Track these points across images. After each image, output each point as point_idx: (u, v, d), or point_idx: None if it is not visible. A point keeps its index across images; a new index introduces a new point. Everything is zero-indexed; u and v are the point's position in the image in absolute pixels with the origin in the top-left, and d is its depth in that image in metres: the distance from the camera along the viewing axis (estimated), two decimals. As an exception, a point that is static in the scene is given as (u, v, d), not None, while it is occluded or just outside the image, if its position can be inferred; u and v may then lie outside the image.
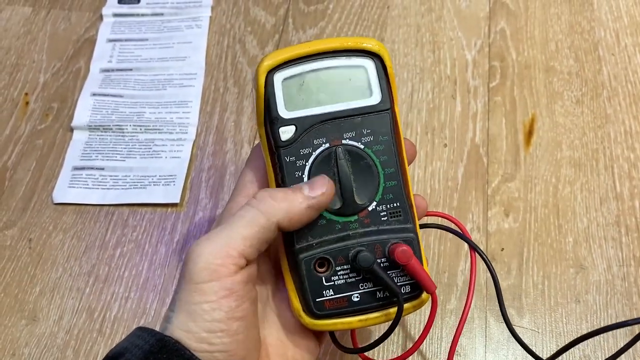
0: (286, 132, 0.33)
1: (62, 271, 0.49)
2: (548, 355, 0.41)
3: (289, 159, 0.33)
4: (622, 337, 0.45)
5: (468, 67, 0.58)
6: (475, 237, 0.49)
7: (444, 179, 0.52)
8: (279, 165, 0.34)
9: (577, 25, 0.61)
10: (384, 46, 0.35)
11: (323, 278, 0.33)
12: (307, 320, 0.34)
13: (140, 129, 0.56)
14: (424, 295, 0.35)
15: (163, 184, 0.52)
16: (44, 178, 0.54)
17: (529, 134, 0.54)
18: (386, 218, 0.34)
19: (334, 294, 0.33)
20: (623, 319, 0.45)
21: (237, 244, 0.30)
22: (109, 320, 0.47)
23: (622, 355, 0.39)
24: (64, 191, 0.53)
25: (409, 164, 0.36)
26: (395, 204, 0.34)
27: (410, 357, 0.45)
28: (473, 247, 0.39)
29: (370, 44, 0.34)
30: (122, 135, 0.56)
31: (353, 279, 0.34)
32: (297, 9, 0.63)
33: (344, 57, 0.34)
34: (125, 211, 0.52)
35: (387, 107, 0.34)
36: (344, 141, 0.34)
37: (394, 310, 0.34)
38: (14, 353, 0.46)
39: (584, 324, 0.45)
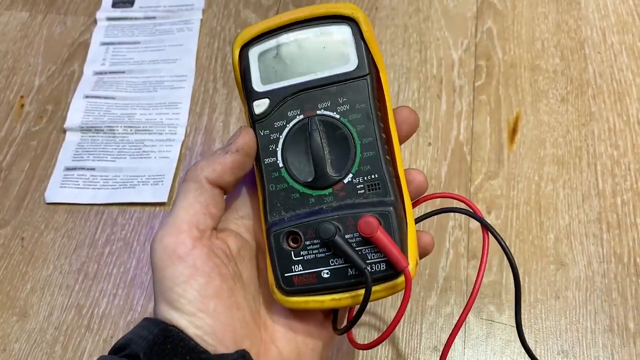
0: (260, 106, 0.33)
1: (52, 269, 0.50)
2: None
3: (263, 133, 0.33)
4: (600, 332, 0.45)
5: (454, 67, 0.59)
6: (457, 234, 0.50)
7: (427, 177, 0.53)
8: (256, 140, 0.33)
9: (564, 23, 0.61)
10: (360, 9, 0.33)
11: (292, 252, 0.32)
12: (279, 296, 0.32)
13: (131, 130, 0.57)
14: (400, 278, 0.31)
15: (152, 184, 0.54)
16: (37, 178, 0.55)
17: (513, 132, 0.55)
18: (363, 191, 0.32)
19: (303, 270, 0.32)
20: (602, 316, 0.46)
21: (182, 216, 0.30)
22: (97, 317, 0.48)
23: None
24: (56, 191, 0.54)
25: (409, 135, 0.34)
26: (373, 176, 0.32)
27: (391, 351, 0.45)
28: (487, 227, 0.34)
29: (343, 9, 0.33)
30: (113, 137, 0.57)
31: (323, 255, 0.31)
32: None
33: (318, 26, 0.33)
34: (114, 210, 0.53)
35: (364, 72, 0.32)
36: (318, 112, 0.32)
37: (363, 291, 0.31)
38: (4, 348, 0.47)
39: (562, 320, 0.46)
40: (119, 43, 0.64)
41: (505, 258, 0.48)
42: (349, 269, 0.31)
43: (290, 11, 0.34)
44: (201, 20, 0.65)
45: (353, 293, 0.31)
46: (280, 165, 0.33)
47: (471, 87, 0.58)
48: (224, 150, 0.32)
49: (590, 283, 0.47)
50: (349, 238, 0.31)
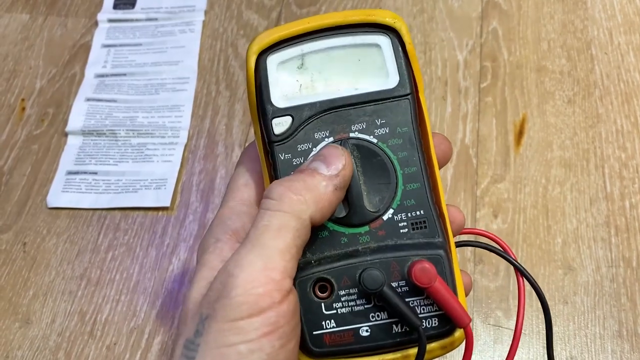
0: (280, 125, 0.28)
1: (55, 274, 0.50)
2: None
3: (284, 157, 0.28)
4: (609, 337, 0.44)
5: (459, 68, 0.58)
6: (463, 238, 0.49)
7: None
8: (272, 164, 0.28)
9: (570, 24, 0.60)
10: (402, 18, 0.29)
11: (322, 305, 0.27)
12: (305, 359, 0.27)
13: (133, 134, 0.56)
14: (457, 332, 0.27)
15: (154, 188, 0.53)
16: (39, 183, 0.55)
17: (520, 134, 0.54)
18: (407, 230, 0.27)
19: (337, 327, 0.27)
20: (611, 321, 0.45)
21: (276, 261, 0.24)
22: (100, 323, 0.48)
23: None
24: (58, 196, 0.54)
25: (441, 166, 0.30)
26: (418, 212, 0.27)
27: None
28: (519, 270, 0.31)
29: (383, 17, 0.28)
30: (115, 140, 0.56)
31: (362, 307, 0.27)
32: (290, 11, 0.64)
33: (352, 34, 0.28)
34: (117, 215, 0.53)
35: (406, 91, 0.28)
36: (352, 134, 0.28)
37: (414, 351, 0.26)
38: (7, 355, 0.47)
39: (571, 326, 0.45)
40: (121, 45, 0.63)
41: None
42: (395, 326, 0.27)
43: (319, 15, 0.30)
44: (203, 21, 0.64)
45: (399, 354, 0.27)
46: None
47: (477, 88, 0.57)
48: (331, 182, 0.26)
49: (598, 288, 0.46)
50: (395, 287, 0.27)
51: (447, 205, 0.29)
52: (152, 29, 0.64)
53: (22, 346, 0.47)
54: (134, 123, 0.57)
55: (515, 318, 0.45)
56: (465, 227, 0.32)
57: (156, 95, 0.59)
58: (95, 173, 0.55)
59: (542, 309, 0.32)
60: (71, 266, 0.50)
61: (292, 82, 0.28)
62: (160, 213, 0.52)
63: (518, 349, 0.44)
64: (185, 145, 0.56)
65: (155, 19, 0.64)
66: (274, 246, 0.24)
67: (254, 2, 0.65)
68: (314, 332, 0.27)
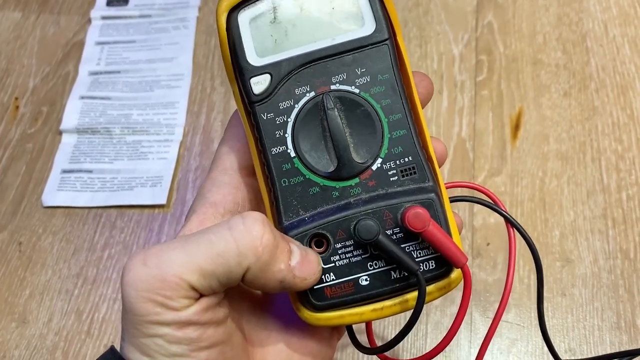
0: (259, 83, 0.27)
1: (51, 273, 0.50)
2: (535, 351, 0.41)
3: (267, 117, 0.27)
4: (607, 329, 0.44)
5: (455, 62, 0.58)
6: (461, 233, 0.49)
7: (452, 180, 0.52)
8: (255, 126, 0.28)
9: (565, 16, 0.60)
10: None
11: (321, 259, 0.27)
12: (307, 314, 0.27)
13: (128, 131, 0.56)
14: (454, 273, 0.27)
15: (150, 186, 0.53)
16: (34, 182, 0.54)
17: (516, 127, 0.54)
18: (396, 177, 0.27)
19: (336, 279, 0.27)
20: (609, 313, 0.45)
21: (193, 276, 0.24)
22: (97, 322, 0.47)
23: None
24: (53, 194, 0.53)
25: (424, 104, 0.29)
26: (407, 159, 0.27)
27: (397, 352, 0.45)
28: (509, 221, 0.32)
29: None
30: (110, 138, 0.56)
31: (359, 258, 0.27)
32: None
33: None
34: (113, 213, 0.52)
35: (384, 37, 0.27)
36: (333, 86, 0.27)
37: (415, 295, 0.27)
38: (4, 355, 0.46)
39: (569, 318, 0.45)
40: (114, 42, 0.63)
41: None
42: (393, 272, 0.27)
43: None
44: (197, 17, 0.64)
45: (399, 299, 0.27)
46: (293, 154, 0.27)
47: (473, 82, 0.57)
48: (287, 268, 0.25)
49: (596, 280, 0.46)
50: (390, 235, 0.27)
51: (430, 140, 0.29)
52: (145, 25, 0.63)
53: (19, 346, 0.47)
54: (129, 120, 0.57)
55: (514, 310, 0.45)
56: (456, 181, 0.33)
57: (151, 92, 0.59)
58: (91, 171, 0.54)
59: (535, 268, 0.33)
60: (67, 265, 0.50)
61: (267, 38, 0.28)
62: (156, 210, 0.52)
63: (517, 341, 0.44)
64: (181, 142, 0.56)
65: (149, 16, 0.64)
66: (200, 263, 0.24)
67: (248, -2, 0.64)
68: (315, 287, 0.27)
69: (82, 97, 0.58)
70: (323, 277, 0.27)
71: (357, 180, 0.27)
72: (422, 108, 0.29)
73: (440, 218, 0.27)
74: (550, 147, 0.53)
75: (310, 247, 0.27)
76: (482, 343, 0.31)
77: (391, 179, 0.27)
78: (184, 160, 0.55)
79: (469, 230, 0.49)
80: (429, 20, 0.61)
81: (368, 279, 0.27)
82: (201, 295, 0.24)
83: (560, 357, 0.37)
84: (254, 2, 0.28)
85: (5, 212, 0.53)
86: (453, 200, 0.32)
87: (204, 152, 0.55)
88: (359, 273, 0.27)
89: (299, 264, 0.26)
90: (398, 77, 0.28)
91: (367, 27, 0.28)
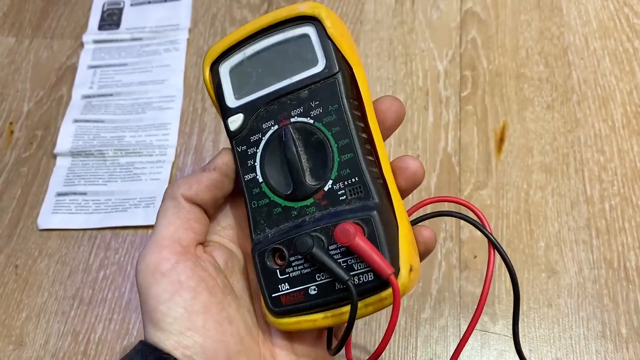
0: (235, 121, 0.32)
1: (47, 296, 0.51)
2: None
3: (240, 149, 0.32)
4: (593, 338, 0.45)
5: (440, 78, 0.59)
6: (448, 245, 0.50)
7: (417, 189, 0.53)
8: (234, 156, 0.32)
9: (547, 31, 0.62)
10: (324, 6, 0.32)
11: (277, 271, 0.30)
12: (271, 318, 0.31)
13: (121, 153, 0.57)
14: (401, 280, 0.29)
15: (143, 206, 0.54)
16: (29, 205, 0.55)
17: (500, 141, 0.55)
18: (345, 197, 0.30)
19: (290, 288, 0.30)
20: (594, 322, 0.46)
21: (162, 233, 0.30)
22: (94, 342, 0.48)
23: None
24: (49, 217, 0.54)
25: (396, 123, 0.32)
26: (353, 179, 0.30)
27: (387, 367, 0.46)
28: (491, 241, 0.33)
29: (303, 9, 0.31)
30: (103, 160, 0.57)
31: (308, 270, 0.30)
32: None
33: (282, 31, 0.32)
34: (107, 234, 0.53)
35: (333, 72, 0.31)
36: (292, 119, 0.31)
37: (366, 302, 0.29)
38: (2, 378, 0.47)
39: (555, 328, 0.46)
40: (107, 65, 0.64)
41: (496, 268, 0.49)
42: (336, 284, 0.29)
43: (253, 20, 0.33)
44: (187, 39, 0.65)
45: (344, 309, 0.29)
46: (260, 180, 0.31)
47: (457, 97, 0.58)
48: (202, 169, 0.32)
49: (581, 290, 0.47)
50: (333, 249, 0.29)
51: (402, 156, 0.32)
52: (137, 48, 0.65)
53: (16, 368, 0.47)
54: (122, 142, 0.58)
55: (501, 322, 0.46)
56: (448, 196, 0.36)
57: (143, 114, 0.60)
58: (85, 193, 0.55)
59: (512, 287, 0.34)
60: (63, 287, 0.51)
61: (242, 82, 0.33)
62: (150, 231, 0.53)
63: (505, 352, 0.45)
64: (173, 163, 0.57)
65: (140, 39, 0.65)
66: (159, 224, 0.31)
67: (237, 19, 0.66)
68: (273, 295, 0.31)
69: (76, 121, 0.60)
70: (279, 286, 0.30)
71: (312, 200, 0.31)
72: (396, 128, 0.33)
73: (379, 233, 0.29)
74: (534, 160, 0.54)
75: (273, 260, 0.31)
76: (456, 348, 0.33)
77: (340, 198, 0.30)
78: (176, 181, 0.56)
79: (456, 244, 0.50)
80: (414, 38, 0.62)
81: (316, 289, 0.30)
82: (185, 250, 0.30)
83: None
84: (231, 55, 0.33)
85: (2, 235, 0.54)
86: (436, 215, 0.34)
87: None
88: (308, 283, 0.30)
89: (212, 162, 0.32)
90: (348, 105, 0.31)
91: (319, 65, 0.31)
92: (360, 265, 0.29)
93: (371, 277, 0.28)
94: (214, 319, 0.29)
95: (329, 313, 0.30)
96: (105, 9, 0.68)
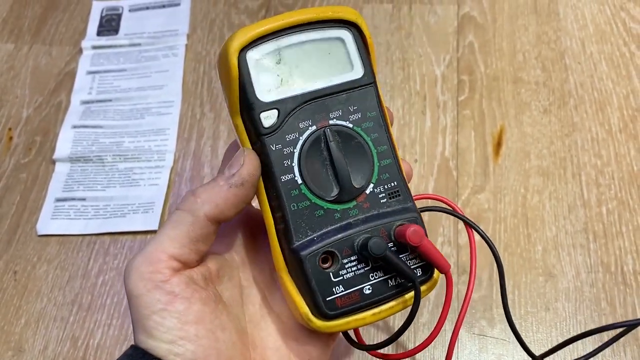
0: (268, 118, 0.31)
1: (46, 301, 0.51)
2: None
3: (275, 147, 0.31)
4: (590, 342, 0.45)
5: (437, 82, 0.60)
6: (446, 250, 0.50)
7: (414, 194, 0.53)
8: (264, 155, 0.31)
9: (544, 35, 0.62)
10: (361, 15, 0.33)
11: (330, 274, 0.31)
12: (319, 323, 0.31)
13: (120, 159, 0.57)
14: (435, 275, 0.33)
15: (142, 212, 0.54)
16: (28, 211, 0.56)
17: (498, 145, 0.55)
18: (385, 200, 0.32)
19: (345, 290, 0.31)
20: (592, 325, 0.46)
21: (165, 246, 0.29)
22: (92, 348, 0.48)
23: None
24: (47, 223, 0.54)
25: None
26: (392, 184, 0.32)
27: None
28: (469, 224, 0.36)
29: (348, 14, 0.32)
30: (102, 166, 0.57)
31: (362, 270, 0.31)
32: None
33: (320, 29, 0.32)
34: (106, 240, 0.53)
35: (370, 80, 0.32)
36: (331, 121, 0.31)
37: (409, 296, 0.32)
38: (1, 384, 0.47)
39: (553, 332, 0.46)
40: (105, 71, 0.64)
41: (494, 272, 0.49)
42: (390, 280, 0.31)
43: (291, 12, 0.32)
44: (186, 45, 0.65)
45: (393, 303, 0.32)
46: (300, 181, 0.31)
47: (455, 102, 0.58)
48: (227, 182, 0.30)
49: (579, 293, 0.48)
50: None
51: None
52: (135, 54, 0.65)
53: (15, 374, 0.47)
54: (120, 148, 0.58)
55: (499, 326, 0.46)
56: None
57: (141, 120, 0.60)
58: (84, 199, 0.55)
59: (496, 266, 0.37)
60: (62, 292, 0.51)
61: (273, 77, 0.31)
62: (148, 236, 0.53)
63: (503, 356, 0.45)
64: (172, 168, 0.57)
65: (139, 44, 0.66)
66: (166, 234, 0.30)
67: (235, 25, 0.66)
68: (327, 298, 0.31)
69: (75, 126, 0.60)
70: (333, 289, 0.31)
71: (354, 203, 0.32)
72: None
73: (425, 232, 0.32)
74: (531, 164, 0.54)
75: (318, 264, 0.31)
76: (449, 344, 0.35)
77: (381, 201, 0.32)
78: (175, 186, 0.56)
79: (454, 248, 0.50)
80: (411, 43, 0.63)
81: (370, 288, 0.31)
82: (180, 267, 0.30)
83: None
84: (261, 43, 0.31)
85: (1, 241, 0.54)
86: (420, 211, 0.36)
87: (194, 178, 0.56)
88: (363, 283, 0.31)
89: (229, 167, 0.30)
90: (382, 114, 0.32)
91: (356, 71, 0.32)
92: (411, 262, 0.32)
93: (421, 272, 0.32)
94: (206, 327, 0.29)
95: (377, 310, 0.31)
96: (104, 14, 0.68)
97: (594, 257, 0.49)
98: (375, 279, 0.31)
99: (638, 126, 0.55)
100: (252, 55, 0.31)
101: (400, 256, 0.31)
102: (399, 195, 0.32)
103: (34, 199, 0.56)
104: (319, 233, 0.31)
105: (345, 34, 0.32)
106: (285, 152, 0.31)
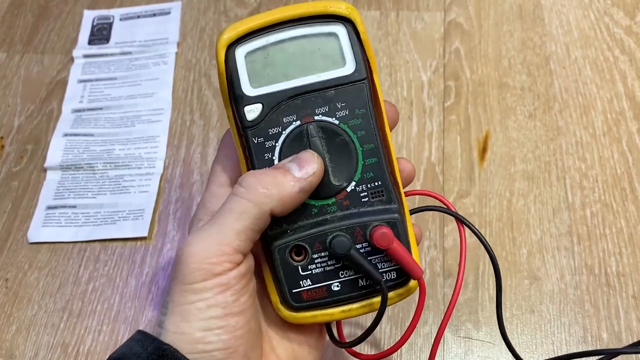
0: (252, 111, 0.31)
1: (37, 308, 0.51)
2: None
3: (257, 140, 0.31)
4: (574, 343, 0.46)
5: (424, 88, 0.60)
6: (432, 253, 0.51)
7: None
8: (247, 147, 0.32)
9: (529, 40, 0.63)
10: (355, 9, 0.32)
11: (299, 267, 0.31)
12: (286, 313, 0.32)
13: (110, 166, 0.58)
14: (412, 282, 0.32)
15: (132, 219, 0.54)
16: (19, 219, 0.56)
17: (483, 150, 0.56)
18: (367, 199, 0.32)
19: (312, 284, 0.31)
20: (576, 327, 0.47)
21: (231, 239, 0.29)
22: (83, 354, 0.49)
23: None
24: (39, 230, 0.55)
25: (392, 129, 0.34)
26: (376, 183, 0.32)
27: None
28: (460, 220, 0.35)
29: (339, 8, 0.31)
30: (93, 173, 0.58)
31: (332, 267, 0.31)
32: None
33: (312, 25, 0.32)
34: (96, 247, 0.54)
35: (362, 76, 0.31)
36: (316, 117, 0.31)
37: (378, 299, 0.32)
38: (-8, 390, 0.48)
39: (538, 334, 0.47)
40: (96, 80, 0.65)
41: (480, 275, 0.50)
42: (360, 280, 0.32)
43: (279, 8, 0.32)
44: (176, 53, 0.66)
45: (364, 303, 0.32)
46: None
47: (441, 107, 0.59)
48: (298, 183, 0.30)
49: (563, 296, 0.48)
50: (359, 249, 0.31)
51: (397, 158, 0.33)
52: (126, 62, 0.66)
53: (6, 381, 0.48)
54: (111, 156, 0.59)
55: (484, 329, 0.47)
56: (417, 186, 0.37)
57: (132, 128, 0.61)
58: (75, 207, 0.56)
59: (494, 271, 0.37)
60: (53, 299, 0.51)
61: (260, 71, 0.31)
62: (138, 243, 0.54)
63: (488, 358, 0.46)
64: (162, 175, 0.57)
65: (129, 53, 0.66)
66: (232, 227, 0.29)
67: (224, 33, 0.67)
68: (294, 290, 0.31)
69: (66, 135, 0.60)
70: (300, 282, 0.31)
71: (333, 199, 0.32)
72: (391, 130, 0.34)
73: (402, 235, 0.32)
74: (516, 168, 0.55)
75: (290, 256, 0.31)
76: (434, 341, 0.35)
77: (362, 199, 0.32)
78: (164, 193, 0.56)
79: (440, 252, 0.51)
80: (398, 49, 0.63)
81: (339, 285, 0.32)
82: (242, 260, 0.29)
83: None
84: (251, 39, 0.32)
85: (-8, 249, 0.54)
86: (412, 212, 0.35)
87: (184, 184, 0.57)
88: (332, 280, 0.32)
89: (299, 167, 0.30)
90: (372, 111, 0.32)
91: (348, 67, 0.32)
92: (384, 265, 0.32)
93: (394, 275, 0.32)
94: (245, 319, 0.29)
95: (346, 307, 0.32)
96: (95, 23, 0.69)
97: (578, 260, 0.50)
98: (345, 277, 0.32)
99: (621, 129, 0.56)
100: (241, 51, 0.31)
101: (374, 258, 0.31)
102: (383, 195, 0.32)
103: (25, 206, 0.57)
104: (293, 226, 0.31)
105: (339, 29, 0.32)
106: (267, 146, 0.31)
